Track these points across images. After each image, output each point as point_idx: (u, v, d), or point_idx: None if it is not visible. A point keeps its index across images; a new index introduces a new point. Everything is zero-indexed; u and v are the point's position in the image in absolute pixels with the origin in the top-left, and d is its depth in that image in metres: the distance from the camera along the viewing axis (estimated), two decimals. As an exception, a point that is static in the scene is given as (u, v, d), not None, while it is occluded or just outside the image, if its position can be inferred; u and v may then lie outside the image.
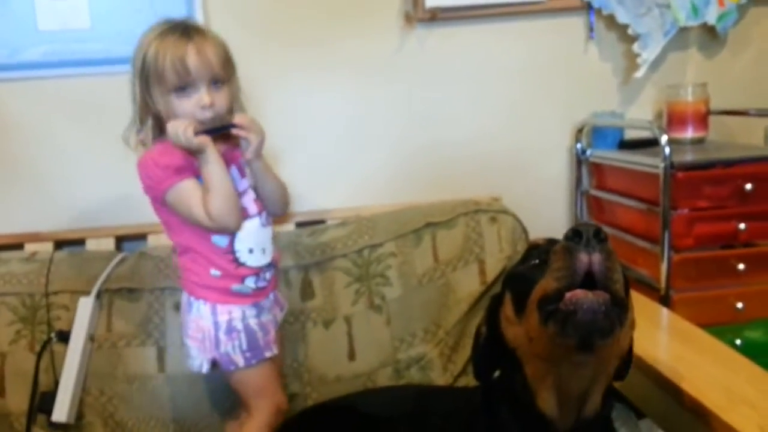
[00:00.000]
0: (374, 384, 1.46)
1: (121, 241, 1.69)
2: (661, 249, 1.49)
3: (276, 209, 1.33)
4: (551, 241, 0.90)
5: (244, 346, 1.25)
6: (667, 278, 1.49)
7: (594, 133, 1.84)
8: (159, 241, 1.64)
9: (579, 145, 1.83)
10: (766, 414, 0.91)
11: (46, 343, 1.42)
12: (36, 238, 1.64)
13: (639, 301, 1.38)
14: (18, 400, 1.40)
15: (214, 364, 1.25)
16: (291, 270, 1.53)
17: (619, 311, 0.80)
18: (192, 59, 1.14)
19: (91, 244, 1.64)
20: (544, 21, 1.81)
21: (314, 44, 1.74)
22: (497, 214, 1.59)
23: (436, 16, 1.73)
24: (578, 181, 1.86)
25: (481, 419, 0.99)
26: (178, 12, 1.65)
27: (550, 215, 1.89)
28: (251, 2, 1.71)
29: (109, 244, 1.65)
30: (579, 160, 1.84)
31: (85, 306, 1.43)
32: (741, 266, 1.53)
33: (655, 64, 1.83)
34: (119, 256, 1.54)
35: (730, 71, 1.90)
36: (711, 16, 1.79)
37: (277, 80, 1.74)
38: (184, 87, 1.16)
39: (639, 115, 1.88)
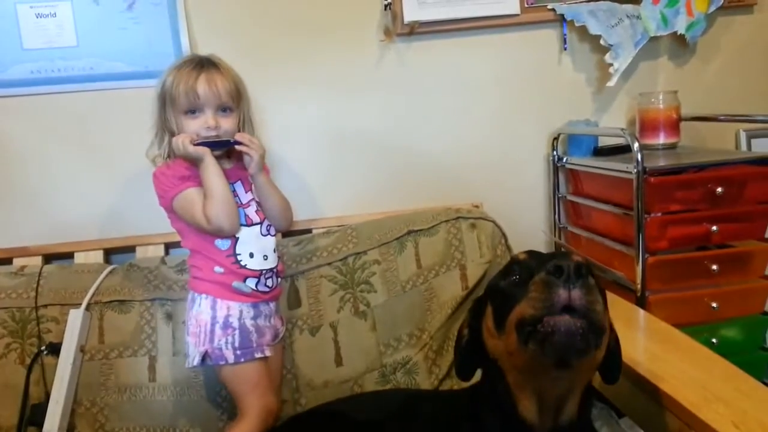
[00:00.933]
0: (362, 388, 1.49)
1: (109, 253, 1.71)
2: (636, 251, 1.52)
3: (278, 224, 1.44)
4: (532, 255, 0.93)
5: (237, 343, 1.31)
6: (643, 280, 1.52)
7: (569, 141, 1.88)
8: (147, 252, 1.67)
9: (555, 153, 1.88)
10: (740, 411, 0.93)
11: (37, 356, 1.43)
12: (24, 252, 1.66)
13: (616, 303, 1.43)
14: (8, 414, 1.40)
15: (205, 358, 1.31)
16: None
17: (595, 335, 0.83)
18: (202, 87, 1.31)
19: (80, 258, 1.65)
20: (519, 33, 1.85)
21: (296, 59, 1.77)
22: (477, 221, 1.63)
23: (414, 30, 1.77)
24: (555, 187, 1.90)
25: (466, 423, 1.01)
26: (162, 30, 1.68)
27: (529, 221, 1.93)
28: (234, 18, 1.74)
29: (97, 257, 1.67)
30: (556, 167, 1.89)
31: (76, 318, 1.45)
32: (714, 267, 1.56)
33: (627, 73, 1.88)
34: (108, 269, 1.56)
35: (700, 78, 1.95)
36: (680, 26, 1.84)
37: (259, 95, 1.74)
38: (193, 110, 1.32)
39: (612, 123, 1.92)
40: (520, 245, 1.70)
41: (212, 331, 1.32)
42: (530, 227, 1.93)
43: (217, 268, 1.34)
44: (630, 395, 1.13)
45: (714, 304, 1.56)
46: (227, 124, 1.34)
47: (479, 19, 1.80)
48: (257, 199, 1.41)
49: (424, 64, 1.83)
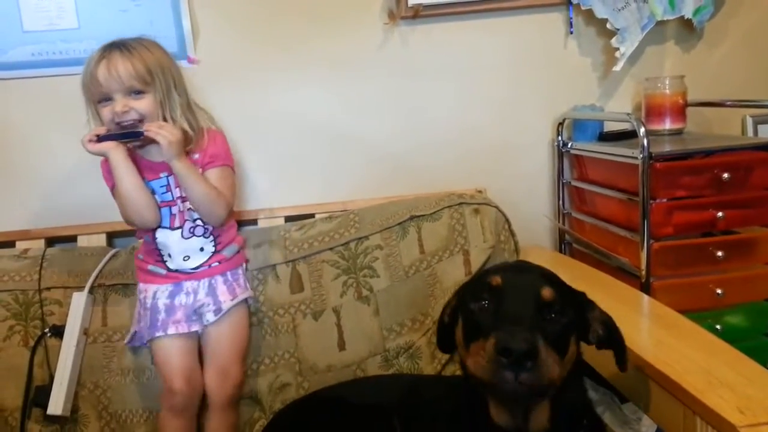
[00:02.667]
0: (364, 373, 1.49)
1: (112, 237, 1.71)
2: (641, 237, 1.51)
3: (204, 218, 1.40)
4: (506, 282, 0.93)
5: (148, 323, 1.37)
6: (647, 266, 1.52)
7: (574, 126, 1.87)
8: (149, 237, 1.67)
9: (560, 138, 1.86)
10: (744, 396, 0.92)
11: (41, 338, 1.44)
12: (27, 235, 1.66)
13: (620, 289, 1.43)
14: (12, 395, 1.41)
15: (133, 338, 1.41)
16: (280, 264, 1.56)
17: (544, 391, 0.87)
18: (102, 73, 1.28)
19: (83, 241, 1.66)
20: (525, 17, 1.83)
21: (299, 41, 1.76)
22: (480, 206, 1.62)
23: (418, 13, 1.75)
24: (560, 172, 1.90)
25: (466, 409, 1.02)
26: (163, 12, 1.67)
27: (533, 206, 1.92)
28: (236, 1, 1.72)
29: (100, 240, 1.67)
30: (560, 153, 1.88)
31: (79, 300, 1.45)
32: (720, 253, 1.55)
33: (633, 58, 1.87)
34: (111, 252, 1.56)
35: (707, 63, 1.93)
36: (687, 10, 1.82)
37: (261, 77, 1.76)
38: (104, 98, 1.30)
39: (618, 108, 1.91)
40: (523, 231, 1.71)
41: (138, 313, 1.41)
42: (534, 213, 1.92)
43: (140, 255, 1.42)
44: (634, 380, 1.12)
45: (719, 291, 1.56)
46: (141, 105, 1.30)
47: (484, 2, 1.79)
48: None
49: (428, 47, 1.81)
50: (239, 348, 1.42)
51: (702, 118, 1.93)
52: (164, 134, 1.29)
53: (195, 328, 1.37)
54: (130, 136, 1.30)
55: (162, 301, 1.38)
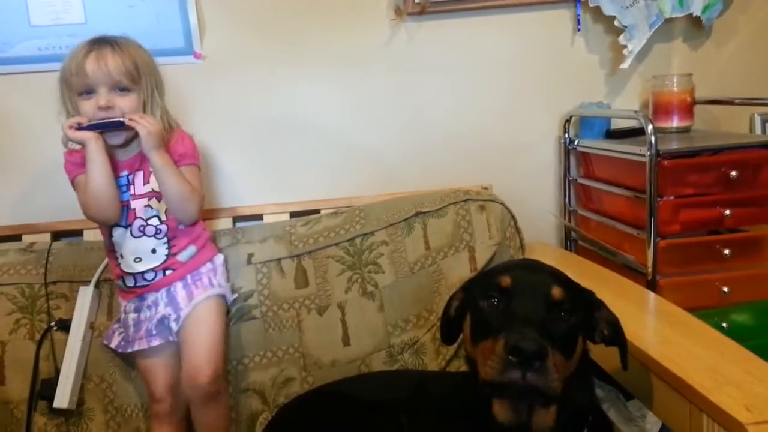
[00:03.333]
0: (369, 368, 1.49)
1: (118, 232, 1.70)
2: (648, 235, 1.51)
3: (176, 214, 1.37)
4: (516, 283, 0.94)
5: (123, 335, 1.39)
6: (654, 263, 1.52)
7: (581, 123, 1.86)
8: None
9: (567, 135, 1.86)
10: (751, 394, 0.92)
11: (47, 331, 1.44)
12: (33, 229, 1.66)
13: (626, 286, 1.42)
14: (18, 388, 1.42)
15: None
16: (285, 259, 1.56)
17: (548, 396, 0.86)
18: (90, 65, 1.26)
19: (89, 235, 1.65)
20: (532, 13, 1.83)
21: (305, 37, 1.76)
22: (486, 203, 1.62)
23: (425, 9, 1.75)
24: (566, 170, 1.89)
25: (471, 406, 1.01)
26: (170, 7, 1.67)
27: (539, 203, 1.92)
28: (242, -4, 1.72)
29: (106, 234, 1.67)
30: (567, 150, 1.87)
31: (85, 294, 1.46)
32: (727, 251, 1.54)
33: (641, 55, 1.86)
34: (117, 247, 1.56)
35: (715, 61, 1.92)
36: (696, 7, 1.81)
37: (266, 72, 1.76)
38: (87, 91, 1.28)
39: (625, 106, 1.90)
40: (529, 227, 1.70)
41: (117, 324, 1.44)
42: (540, 210, 1.92)
43: (110, 264, 1.41)
44: (640, 378, 1.12)
45: (725, 289, 1.55)
46: (125, 103, 1.29)
47: (492, -2, 1.78)
48: (156, 190, 1.35)
49: (435, 44, 1.81)
50: (209, 344, 1.34)
51: (710, 116, 1.92)
52: (144, 124, 1.27)
53: (155, 342, 1.35)
54: (111, 125, 1.29)
55: (131, 316, 1.38)
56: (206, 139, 1.70)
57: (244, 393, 1.47)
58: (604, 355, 1.23)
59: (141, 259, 1.35)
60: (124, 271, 1.36)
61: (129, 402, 1.44)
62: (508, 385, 0.84)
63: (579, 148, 1.85)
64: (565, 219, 1.92)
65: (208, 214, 1.67)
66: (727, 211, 1.53)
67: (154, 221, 1.35)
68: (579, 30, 1.85)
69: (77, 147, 1.34)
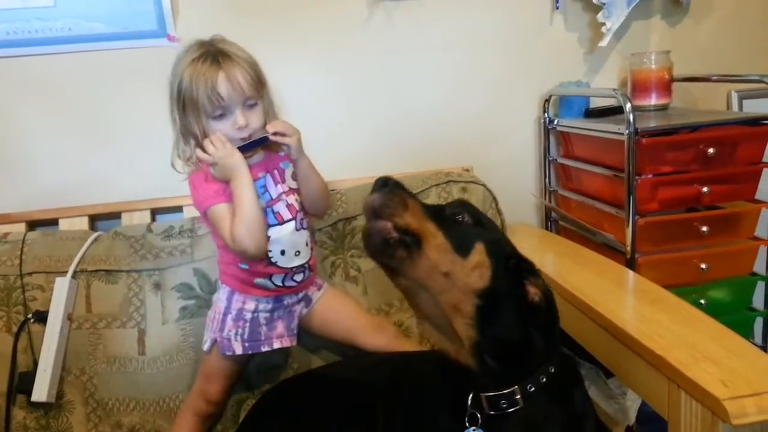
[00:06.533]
0: (355, 352, 1.48)
1: (94, 220, 1.68)
2: (627, 213, 1.52)
3: (316, 209, 1.37)
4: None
5: (246, 335, 1.30)
6: (633, 241, 1.53)
7: (561, 102, 1.86)
8: (132, 219, 1.65)
9: (546, 115, 1.86)
10: (728, 370, 0.94)
11: (24, 324, 1.42)
12: (7, 219, 1.62)
13: (606, 265, 1.43)
14: (-4, 382, 1.39)
15: (214, 345, 1.32)
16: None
17: (408, 239, 0.91)
18: (224, 87, 1.17)
19: (65, 224, 1.63)
20: (510, -8, 1.81)
21: (282, 18, 1.73)
22: (468, 184, 1.62)
23: (403, -11, 1.73)
24: (546, 149, 1.89)
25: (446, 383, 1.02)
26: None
27: (519, 184, 1.92)
28: (217, -24, 1.68)
29: (82, 223, 1.64)
30: (546, 130, 1.87)
31: (62, 286, 1.43)
32: (704, 228, 1.56)
33: (619, 33, 1.86)
34: (93, 236, 1.53)
35: (693, 38, 1.93)
36: (673, -16, 1.82)
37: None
38: (220, 113, 1.19)
39: (604, 84, 1.90)
40: (510, 208, 1.70)
41: (223, 321, 1.30)
42: (521, 191, 1.92)
43: (243, 265, 1.27)
44: (619, 355, 1.13)
45: (703, 266, 1.57)
46: (255, 118, 1.22)
47: (469, -23, 1.76)
48: (292, 188, 1.31)
49: (413, 24, 1.79)
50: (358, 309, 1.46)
51: (687, 94, 1.93)
52: (290, 134, 1.23)
53: (292, 342, 1.35)
54: (257, 144, 1.22)
55: (263, 315, 1.31)
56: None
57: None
58: (584, 334, 1.24)
59: (300, 253, 1.29)
60: (280, 268, 1.28)
61: (110, 395, 1.42)
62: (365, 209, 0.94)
63: (558, 128, 1.85)
64: (545, 199, 1.92)
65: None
66: (705, 189, 1.55)
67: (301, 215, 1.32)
68: (558, 8, 1.84)
69: (198, 169, 1.24)
